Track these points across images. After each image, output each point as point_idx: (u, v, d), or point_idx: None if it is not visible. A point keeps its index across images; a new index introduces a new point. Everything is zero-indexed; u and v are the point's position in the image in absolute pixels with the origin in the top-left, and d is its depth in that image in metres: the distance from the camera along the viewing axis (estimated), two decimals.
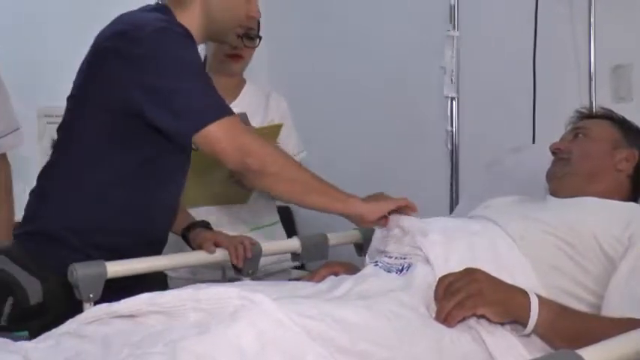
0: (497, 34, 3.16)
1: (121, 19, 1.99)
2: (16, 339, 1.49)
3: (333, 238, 2.32)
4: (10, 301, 1.86)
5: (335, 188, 1.94)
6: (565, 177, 2.08)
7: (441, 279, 1.61)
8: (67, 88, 3.33)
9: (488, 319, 1.54)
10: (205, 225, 2.28)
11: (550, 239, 1.80)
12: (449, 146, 3.05)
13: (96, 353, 1.36)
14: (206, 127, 1.84)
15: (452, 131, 3.05)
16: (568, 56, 2.92)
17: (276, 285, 1.75)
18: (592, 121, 2.20)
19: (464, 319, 1.52)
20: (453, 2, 3.11)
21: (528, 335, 1.54)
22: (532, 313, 1.53)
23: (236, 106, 2.64)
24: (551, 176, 2.13)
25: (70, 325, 1.48)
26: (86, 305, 1.78)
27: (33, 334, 1.56)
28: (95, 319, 1.47)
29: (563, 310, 1.59)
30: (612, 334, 1.35)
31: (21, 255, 1.94)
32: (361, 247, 2.36)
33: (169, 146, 1.95)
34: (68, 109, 2.05)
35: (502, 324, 1.54)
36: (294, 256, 2.30)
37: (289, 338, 1.24)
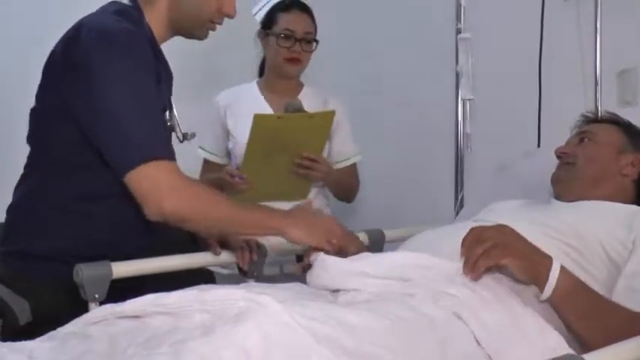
0: (502, 38, 3.16)
1: (78, 22, 1.94)
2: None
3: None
4: None
5: (263, 216, 1.97)
6: (570, 181, 2.08)
7: (472, 229, 1.64)
8: None
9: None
10: None
11: (555, 244, 1.80)
12: (469, 150, 3.04)
13: (101, 353, 1.36)
14: (131, 170, 1.80)
15: (468, 134, 3.05)
16: (574, 60, 2.91)
17: (281, 287, 1.75)
18: (598, 125, 2.20)
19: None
20: (462, 4, 3.10)
21: (545, 301, 1.56)
22: (551, 276, 1.55)
23: None
24: (556, 180, 2.14)
25: (76, 324, 1.48)
26: (91, 305, 1.78)
27: None
28: (100, 319, 1.47)
29: (581, 285, 1.60)
30: (622, 323, 1.36)
31: (7, 274, 1.93)
32: (367, 250, 2.35)
33: None
34: (31, 122, 2.01)
35: (502, 325, 1.54)
36: (299, 257, 2.29)
37: (295, 340, 1.24)
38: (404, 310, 1.46)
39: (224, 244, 2.15)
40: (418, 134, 3.18)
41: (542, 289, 1.56)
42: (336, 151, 2.95)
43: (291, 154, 2.62)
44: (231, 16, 2.07)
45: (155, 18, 2.02)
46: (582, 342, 1.55)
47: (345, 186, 2.98)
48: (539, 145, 2.94)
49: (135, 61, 1.86)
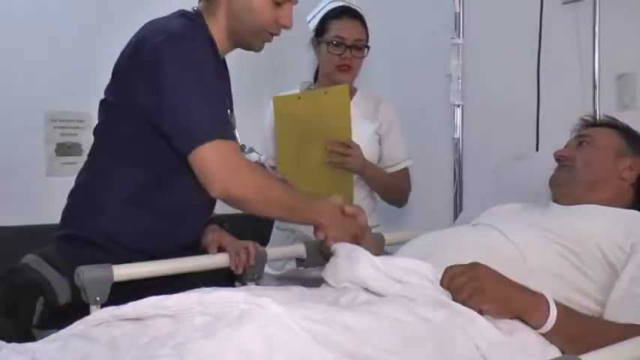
0: (502, 42, 3.18)
1: (146, 26, 2.03)
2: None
3: None
4: (41, 300, 1.92)
5: (309, 203, 2.02)
6: (568, 184, 2.09)
7: (447, 270, 1.64)
8: (75, 93, 3.36)
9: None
10: (220, 223, 2.29)
11: (554, 247, 1.81)
12: (455, 154, 3.06)
13: (103, 355, 1.37)
14: (200, 146, 1.86)
15: (459, 138, 3.06)
16: (572, 64, 2.92)
17: (282, 290, 1.76)
18: (596, 129, 2.21)
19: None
20: (458, 10, 3.12)
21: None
22: (550, 318, 1.55)
23: None
24: (554, 182, 2.14)
25: (78, 327, 1.49)
26: (93, 308, 1.78)
27: None
28: (102, 321, 1.48)
29: (568, 311, 1.61)
30: (614, 339, 1.36)
31: (57, 257, 1.99)
32: None
33: None
34: (100, 112, 2.10)
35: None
36: (299, 261, 2.30)
37: (296, 342, 1.24)
38: (404, 313, 1.46)
39: (222, 246, 2.18)
40: (417, 138, 3.18)
41: (530, 323, 1.58)
42: (387, 155, 2.96)
43: (320, 141, 2.64)
44: (287, 27, 2.11)
45: (216, 28, 2.09)
46: None
47: (394, 190, 2.99)
48: (537, 149, 2.95)
49: (199, 55, 1.96)
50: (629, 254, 1.77)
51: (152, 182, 2.02)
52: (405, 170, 2.99)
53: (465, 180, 3.10)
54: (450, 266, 1.64)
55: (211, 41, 2.07)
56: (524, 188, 2.45)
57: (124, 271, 1.87)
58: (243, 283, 2.11)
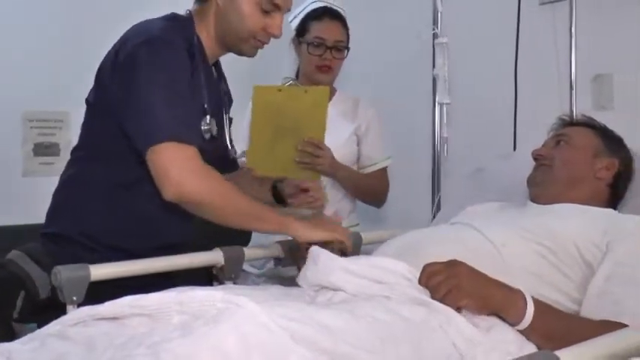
0: (479, 42, 3.19)
1: (131, 28, 2.04)
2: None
3: None
4: (22, 294, 1.93)
5: (270, 211, 2.00)
6: (546, 183, 2.10)
7: (425, 267, 1.65)
8: (53, 93, 3.36)
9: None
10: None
11: (531, 246, 1.81)
12: (445, 154, 3.06)
13: (79, 355, 1.36)
14: (157, 146, 1.85)
15: (445, 138, 3.07)
16: (549, 64, 2.94)
17: (259, 289, 1.76)
18: (574, 128, 2.22)
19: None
20: (440, 9, 3.12)
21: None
22: (527, 314, 1.57)
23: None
24: (532, 182, 2.16)
25: (54, 326, 1.48)
26: (69, 308, 1.77)
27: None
28: (79, 320, 1.47)
29: (545, 308, 1.62)
30: (590, 336, 1.37)
31: (40, 253, 2.01)
32: (345, 252, 2.35)
33: None
34: (85, 112, 2.12)
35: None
36: (277, 260, 2.30)
37: (273, 341, 1.24)
38: (381, 311, 1.47)
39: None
40: (396, 137, 3.19)
41: (508, 320, 1.59)
42: (365, 155, 2.97)
43: (294, 138, 2.63)
44: (276, 36, 2.11)
45: (206, 32, 2.10)
46: None
47: (370, 191, 3.01)
48: (515, 148, 2.97)
49: (172, 58, 1.95)
50: (605, 252, 1.79)
51: (131, 182, 2.02)
52: (383, 170, 3.00)
53: (444, 179, 3.11)
54: (428, 264, 1.65)
55: (199, 45, 2.07)
56: (502, 187, 2.46)
57: (101, 271, 1.86)
58: (221, 283, 2.11)
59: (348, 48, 2.90)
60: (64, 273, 1.80)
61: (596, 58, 2.81)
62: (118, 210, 2.03)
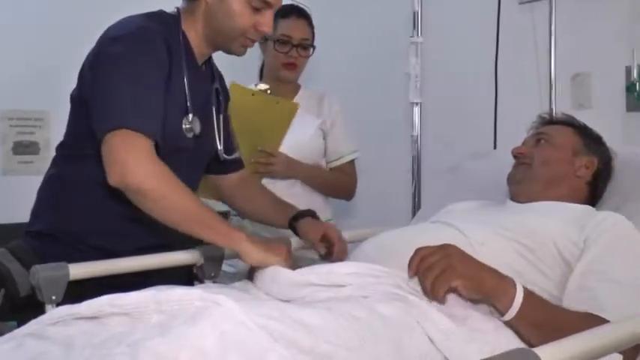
0: (460, 41, 3.20)
1: (112, 25, 2.01)
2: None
3: (295, 242, 2.30)
4: (2, 292, 1.91)
5: (221, 221, 1.90)
6: (525, 182, 2.11)
7: (417, 251, 1.65)
8: (33, 92, 3.33)
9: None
10: (312, 214, 2.29)
11: (509, 244, 1.82)
12: (413, 152, 3.08)
13: (58, 354, 1.35)
14: (110, 132, 1.82)
15: (417, 137, 3.08)
16: (529, 64, 2.96)
17: (238, 288, 1.76)
18: (554, 127, 2.23)
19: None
20: (416, 9, 3.14)
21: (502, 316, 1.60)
22: (515, 301, 1.57)
23: None
24: (511, 180, 2.16)
25: (33, 326, 1.47)
26: (48, 307, 1.76)
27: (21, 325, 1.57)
28: (58, 320, 1.46)
29: (533, 297, 1.63)
30: (575, 327, 1.39)
31: (23, 251, 2.00)
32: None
33: None
34: (70, 110, 2.10)
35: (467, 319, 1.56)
36: None
37: (251, 339, 1.24)
38: (360, 309, 1.47)
39: (327, 235, 2.20)
40: (375, 136, 3.20)
41: (497, 307, 1.59)
42: (331, 150, 2.99)
43: (254, 140, 2.67)
44: (266, 34, 2.09)
45: (193, 29, 2.06)
46: None
47: (337, 186, 3.03)
48: (495, 147, 2.98)
49: (145, 53, 1.92)
50: (583, 249, 1.79)
51: (99, 182, 1.95)
52: (351, 163, 3.03)
53: (424, 178, 3.12)
54: (421, 247, 1.66)
55: (185, 43, 2.05)
56: (482, 186, 2.47)
57: (80, 270, 1.85)
58: (202, 282, 2.10)
59: (313, 46, 2.92)
60: (43, 272, 1.79)
61: (575, 57, 2.83)
62: (103, 209, 2.01)
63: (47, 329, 1.45)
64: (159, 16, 2.06)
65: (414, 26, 3.04)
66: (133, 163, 1.81)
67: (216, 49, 2.12)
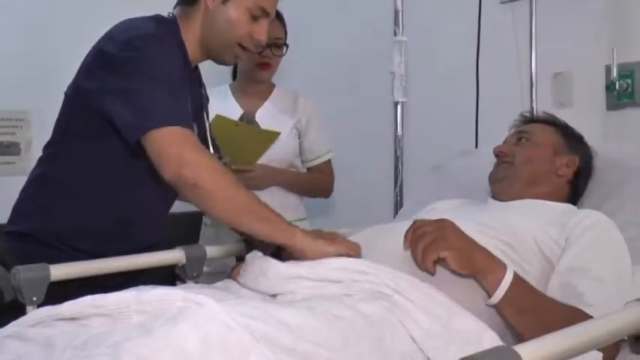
0: (441, 40, 3.21)
1: (118, 24, 2.00)
2: None
3: None
4: None
5: (277, 215, 1.85)
6: (507, 180, 2.11)
7: (415, 222, 1.69)
8: (13, 91, 3.31)
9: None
10: None
11: (490, 241, 1.82)
12: (397, 151, 3.08)
13: (38, 355, 1.35)
14: (157, 129, 1.81)
15: (401, 135, 3.08)
16: (510, 63, 2.97)
17: (220, 288, 1.75)
18: (535, 125, 2.24)
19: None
20: (398, 8, 3.14)
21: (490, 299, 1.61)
22: (503, 283, 1.59)
23: (266, 107, 2.92)
24: (493, 179, 2.17)
25: (13, 327, 1.46)
26: (29, 309, 1.75)
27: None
28: (38, 321, 1.46)
29: (521, 281, 1.64)
30: (559, 318, 1.44)
31: (4, 253, 1.97)
32: None
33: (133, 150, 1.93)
34: (62, 106, 2.07)
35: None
36: (239, 259, 2.29)
37: (233, 339, 1.23)
38: (342, 308, 1.47)
39: None
40: (357, 135, 3.20)
41: (484, 285, 1.61)
42: (307, 149, 3.00)
43: (232, 161, 2.67)
44: (261, 43, 2.09)
45: (191, 36, 2.06)
46: (520, 339, 1.59)
47: (313, 187, 3.05)
48: (476, 146, 2.99)
49: (166, 54, 1.93)
50: (564, 248, 1.80)
51: (106, 183, 1.99)
52: (327, 162, 3.05)
53: (406, 176, 3.12)
54: (417, 220, 1.70)
55: (182, 47, 2.05)
56: (464, 184, 2.47)
57: (61, 271, 1.83)
58: (184, 282, 2.10)
59: (287, 45, 2.92)
60: (23, 273, 1.77)
61: (555, 57, 2.85)
62: (90, 211, 2.00)
63: (28, 331, 1.44)
64: (162, 21, 2.05)
65: (397, 24, 3.05)
66: (189, 156, 1.80)
67: (208, 57, 2.12)
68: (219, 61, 2.15)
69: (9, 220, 2.07)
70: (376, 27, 3.22)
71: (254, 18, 2.03)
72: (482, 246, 1.66)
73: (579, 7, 2.81)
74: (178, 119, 1.85)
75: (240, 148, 2.71)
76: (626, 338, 1.36)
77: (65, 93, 2.05)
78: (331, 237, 1.85)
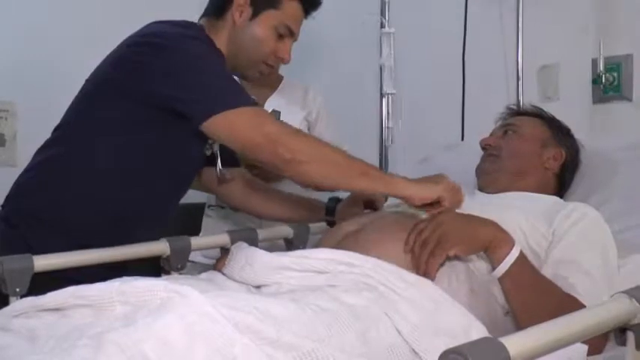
0: (427, 33, 3.20)
1: (152, 25, 1.99)
2: None
3: (262, 233, 2.30)
4: None
5: (375, 167, 1.93)
6: (494, 173, 2.12)
7: (412, 229, 1.70)
8: (7, 84, 3.26)
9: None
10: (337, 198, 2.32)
11: None
12: (390, 142, 3.08)
13: (21, 346, 1.34)
14: (225, 111, 1.82)
15: (391, 128, 3.08)
16: (496, 56, 2.97)
17: (204, 279, 1.75)
18: (522, 118, 2.24)
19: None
20: (386, 1, 3.13)
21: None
22: (507, 259, 1.62)
23: (275, 99, 2.90)
24: (480, 172, 2.17)
25: None
26: (12, 299, 1.74)
27: None
28: (21, 312, 1.45)
29: (525, 258, 1.66)
30: (554, 301, 1.50)
31: None
32: (291, 243, 2.35)
33: (163, 147, 1.95)
34: (81, 92, 2.03)
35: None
36: (224, 250, 2.29)
37: (217, 330, 1.23)
38: (326, 300, 1.47)
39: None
40: (343, 126, 3.19)
41: (493, 256, 1.64)
42: None
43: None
44: (285, 62, 2.12)
45: (219, 46, 2.05)
46: (517, 321, 1.62)
47: None
48: (462, 139, 2.99)
49: (217, 54, 1.97)
50: (551, 241, 1.81)
51: (114, 175, 1.98)
52: None
53: (392, 169, 3.12)
54: (415, 225, 1.71)
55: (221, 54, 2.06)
56: (450, 177, 2.47)
57: (45, 262, 1.83)
58: (168, 273, 2.09)
59: None
60: (7, 264, 1.76)
61: (542, 49, 2.85)
62: (93, 204, 1.98)
63: (10, 321, 1.43)
64: (192, 26, 2.05)
65: (384, 16, 3.05)
66: (277, 134, 1.82)
67: (232, 70, 2.10)
68: (243, 77, 2.17)
69: (3, 204, 2.04)
70: (364, 18, 3.21)
71: (280, 37, 2.06)
72: (486, 220, 1.69)
73: (566, 0, 2.81)
74: (248, 100, 1.88)
75: None
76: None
77: (87, 80, 2.03)
78: (433, 179, 1.89)
